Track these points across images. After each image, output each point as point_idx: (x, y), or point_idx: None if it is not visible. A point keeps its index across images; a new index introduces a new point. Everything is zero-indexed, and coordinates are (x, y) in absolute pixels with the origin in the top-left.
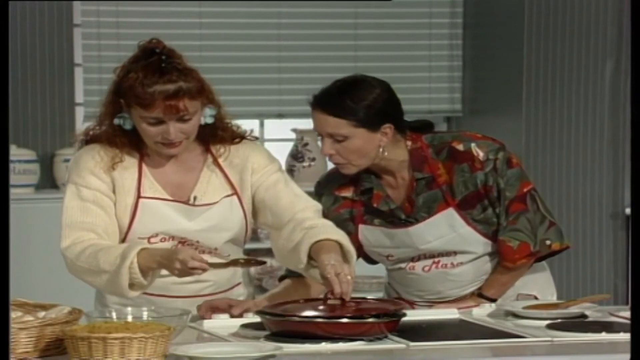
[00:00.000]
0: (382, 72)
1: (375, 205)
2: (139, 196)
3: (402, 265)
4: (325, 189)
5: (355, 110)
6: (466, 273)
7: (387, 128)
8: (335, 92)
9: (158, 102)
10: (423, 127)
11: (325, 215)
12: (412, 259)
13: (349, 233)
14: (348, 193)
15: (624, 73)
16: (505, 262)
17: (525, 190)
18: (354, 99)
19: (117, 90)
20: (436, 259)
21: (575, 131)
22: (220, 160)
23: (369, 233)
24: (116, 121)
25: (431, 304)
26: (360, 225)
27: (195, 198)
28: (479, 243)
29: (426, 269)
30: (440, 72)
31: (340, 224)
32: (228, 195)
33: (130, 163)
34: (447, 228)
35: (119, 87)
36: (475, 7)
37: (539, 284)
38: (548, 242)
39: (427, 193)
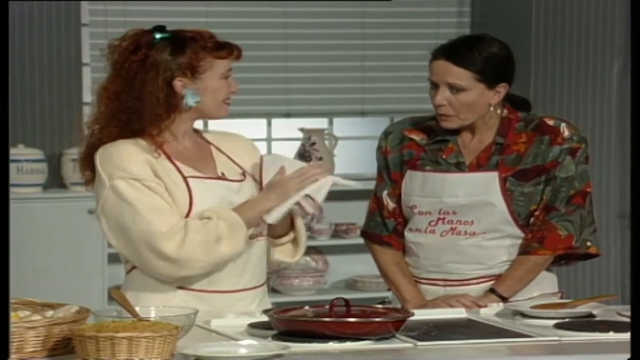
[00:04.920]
0: (388, 71)
1: (444, 156)
2: (184, 177)
3: (422, 226)
4: (396, 127)
5: (479, 63)
6: (473, 249)
7: (502, 87)
8: (462, 44)
9: (232, 48)
10: (522, 104)
11: (387, 154)
12: (430, 223)
13: (401, 176)
14: (417, 137)
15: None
16: (544, 249)
17: (588, 189)
18: (480, 53)
19: (172, 75)
20: (454, 225)
21: (582, 130)
22: (220, 146)
23: (409, 178)
24: (190, 101)
25: (434, 283)
26: (409, 170)
27: (223, 173)
28: (498, 218)
29: (444, 233)
30: None
31: (397, 165)
32: (244, 174)
33: (157, 152)
34: (482, 188)
35: (176, 65)
36: (482, 6)
37: (543, 284)
38: (589, 244)
39: (496, 156)
